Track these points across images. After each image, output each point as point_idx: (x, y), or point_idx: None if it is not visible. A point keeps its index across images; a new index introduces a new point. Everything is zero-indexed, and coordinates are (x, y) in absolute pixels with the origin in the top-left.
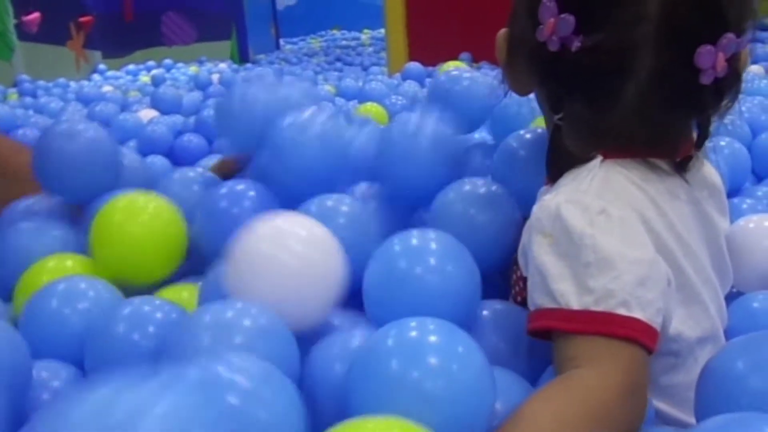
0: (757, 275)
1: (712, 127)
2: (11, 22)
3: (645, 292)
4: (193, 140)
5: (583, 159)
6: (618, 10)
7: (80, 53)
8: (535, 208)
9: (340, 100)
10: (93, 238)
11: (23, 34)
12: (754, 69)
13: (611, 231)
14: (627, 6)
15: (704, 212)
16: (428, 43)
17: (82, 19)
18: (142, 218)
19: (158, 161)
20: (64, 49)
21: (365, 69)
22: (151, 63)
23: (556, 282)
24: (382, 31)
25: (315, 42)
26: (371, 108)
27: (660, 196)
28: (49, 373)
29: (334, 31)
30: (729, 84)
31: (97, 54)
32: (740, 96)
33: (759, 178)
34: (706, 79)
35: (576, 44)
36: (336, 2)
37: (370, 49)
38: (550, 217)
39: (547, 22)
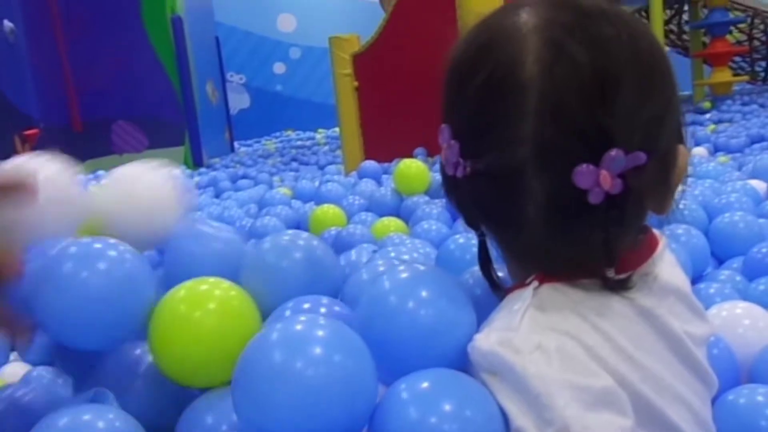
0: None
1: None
2: None
3: (601, 415)
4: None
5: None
6: (495, 134)
7: None
8: (471, 351)
9: (296, 203)
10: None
11: None
12: (699, 151)
13: (550, 363)
14: (503, 130)
15: (663, 324)
16: (383, 140)
17: (27, 133)
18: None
19: None
20: None
21: (321, 168)
22: (101, 172)
23: (517, 419)
24: (337, 129)
25: (270, 144)
26: (328, 210)
27: (602, 319)
28: None
29: (289, 132)
30: (631, 199)
31: None
32: (688, 182)
33: (720, 261)
34: (594, 198)
35: (464, 169)
36: (289, 104)
37: (326, 147)
38: (487, 358)
39: (442, 147)
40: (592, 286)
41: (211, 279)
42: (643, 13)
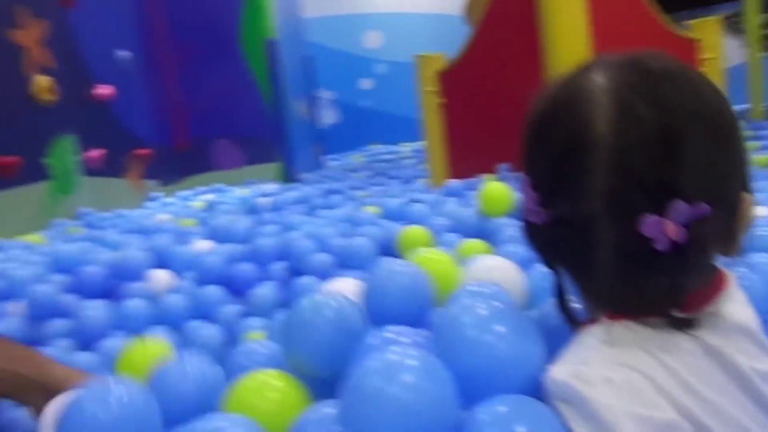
0: None
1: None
2: (74, 160)
3: None
4: (246, 269)
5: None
6: (569, 186)
7: (137, 184)
8: (546, 380)
9: (384, 222)
10: None
11: (87, 169)
12: None
13: (618, 395)
14: (576, 183)
15: (730, 361)
16: (468, 155)
17: (139, 152)
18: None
19: (213, 291)
20: (124, 180)
21: (407, 182)
22: (202, 188)
23: None
24: (421, 143)
25: (357, 158)
26: (415, 231)
27: (668, 356)
28: None
29: (375, 146)
30: (695, 246)
31: (152, 183)
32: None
33: None
34: (660, 246)
35: (542, 217)
36: (375, 118)
37: (413, 160)
38: (560, 388)
39: (522, 196)
40: (660, 324)
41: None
42: (737, 18)
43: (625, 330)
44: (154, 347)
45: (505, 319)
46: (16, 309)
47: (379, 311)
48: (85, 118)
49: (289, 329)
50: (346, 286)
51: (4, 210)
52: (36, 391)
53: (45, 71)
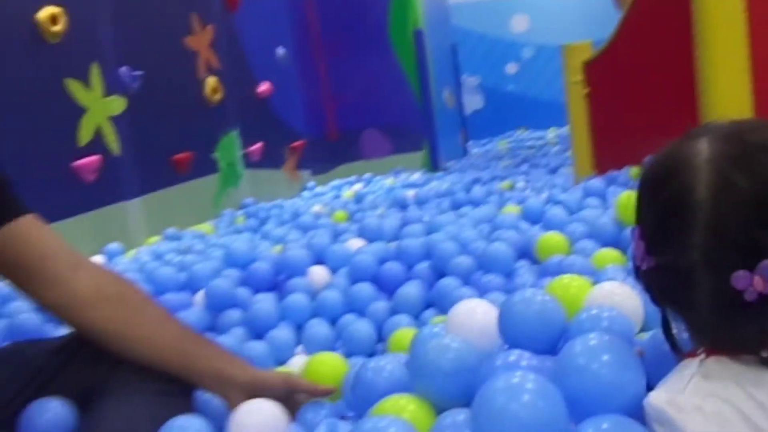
0: None
1: None
2: (239, 153)
3: None
4: (394, 267)
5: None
6: (672, 240)
7: (293, 174)
8: (646, 404)
9: (523, 225)
10: None
11: (249, 162)
12: None
13: (707, 424)
14: (678, 238)
15: None
16: (614, 146)
17: (294, 145)
18: None
19: (365, 288)
20: (281, 172)
21: (553, 171)
22: (351, 177)
23: None
24: (568, 128)
25: (502, 143)
26: (553, 237)
27: (758, 390)
28: None
29: (521, 131)
30: None
31: (306, 173)
32: None
33: None
34: (749, 297)
35: (649, 263)
36: (521, 103)
37: (558, 147)
38: (657, 412)
39: (633, 243)
40: (752, 361)
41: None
42: None
43: (719, 365)
44: (334, 362)
45: (611, 349)
46: (197, 300)
47: (513, 335)
48: (247, 113)
49: (415, 367)
50: (477, 309)
51: (179, 202)
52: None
53: (213, 72)
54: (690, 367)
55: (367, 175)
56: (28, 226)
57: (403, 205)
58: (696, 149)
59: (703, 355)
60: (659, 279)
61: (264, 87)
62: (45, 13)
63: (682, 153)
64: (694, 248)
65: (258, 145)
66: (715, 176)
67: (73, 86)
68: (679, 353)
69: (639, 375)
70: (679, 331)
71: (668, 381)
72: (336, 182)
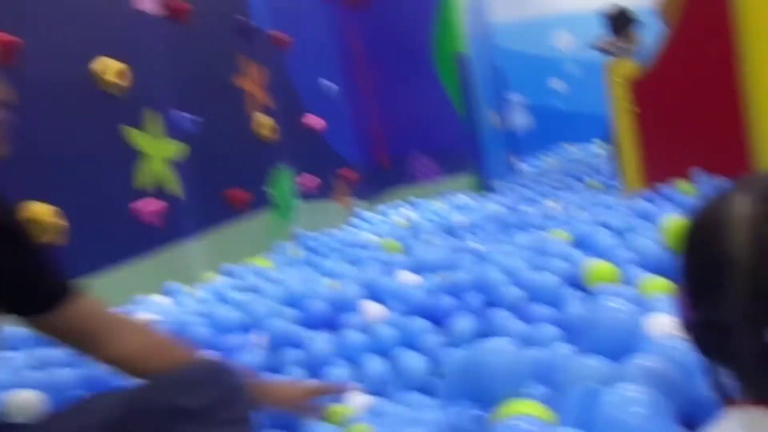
0: None
1: None
2: (292, 186)
3: None
4: (445, 300)
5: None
6: (711, 297)
7: (345, 202)
8: None
9: (573, 253)
10: None
11: (302, 193)
12: None
13: None
14: (716, 296)
15: None
16: (662, 160)
17: (345, 173)
18: None
19: (418, 322)
20: (332, 201)
21: (600, 186)
22: (400, 202)
23: None
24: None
25: (549, 160)
26: (601, 266)
27: None
28: None
29: (568, 147)
30: None
31: (356, 200)
32: None
33: None
34: None
35: (692, 315)
36: (567, 119)
37: (604, 161)
38: None
39: (678, 297)
40: None
41: None
42: None
43: (762, 415)
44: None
45: (642, 402)
46: (259, 341)
47: None
48: (299, 147)
49: None
50: None
51: (235, 238)
52: None
53: (266, 111)
54: (733, 418)
55: (416, 199)
56: (82, 299)
57: (453, 234)
58: (734, 209)
59: (747, 406)
60: (704, 333)
61: (315, 122)
62: (112, 69)
63: (722, 213)
64: (731, 304)
65: (310, 177)
66: (753, 237)
67: (132, 132)
68: (726, 400)
69: (668, 428)
70: (727, 379)
71: (711, 429)
72: (386, 208)
